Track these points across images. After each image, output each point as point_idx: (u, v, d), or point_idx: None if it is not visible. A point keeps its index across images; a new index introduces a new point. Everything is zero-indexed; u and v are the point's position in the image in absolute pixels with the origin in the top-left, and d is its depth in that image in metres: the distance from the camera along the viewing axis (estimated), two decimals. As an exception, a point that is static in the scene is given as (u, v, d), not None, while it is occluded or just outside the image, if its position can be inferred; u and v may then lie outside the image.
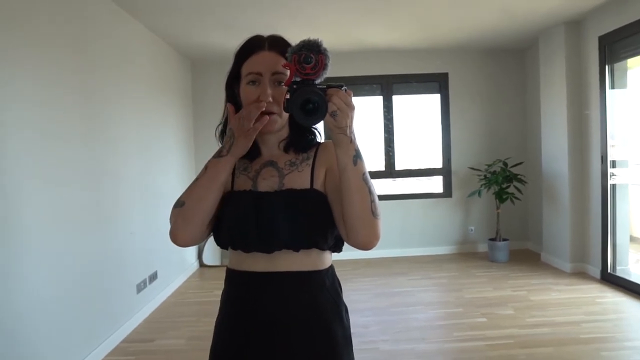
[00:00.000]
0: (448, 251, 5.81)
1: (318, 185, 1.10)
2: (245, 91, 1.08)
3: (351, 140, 0.96)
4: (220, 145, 1.14)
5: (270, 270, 1.08)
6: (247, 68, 1.09)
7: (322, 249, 1.11)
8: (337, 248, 1.14)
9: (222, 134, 1.18)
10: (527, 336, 3.17)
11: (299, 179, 1.10)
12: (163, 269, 4.33)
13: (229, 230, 1.09)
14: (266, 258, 1.08)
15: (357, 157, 0.97)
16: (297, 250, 1.07)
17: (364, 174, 0.98)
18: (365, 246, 1.02)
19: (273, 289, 1.08)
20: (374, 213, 1.00)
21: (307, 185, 1.09)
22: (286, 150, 1.14)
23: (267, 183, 1.11)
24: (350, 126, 0.94)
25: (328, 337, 1.09)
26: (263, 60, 1.07)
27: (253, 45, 1.10)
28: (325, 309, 1.11)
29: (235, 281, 1.14)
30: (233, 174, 1.15)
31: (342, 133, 0.94)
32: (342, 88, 0.92)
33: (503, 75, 5.80)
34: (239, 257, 1.12)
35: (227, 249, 1.18)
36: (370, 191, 0.99)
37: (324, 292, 1.12)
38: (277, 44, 1.10)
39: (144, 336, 3.48)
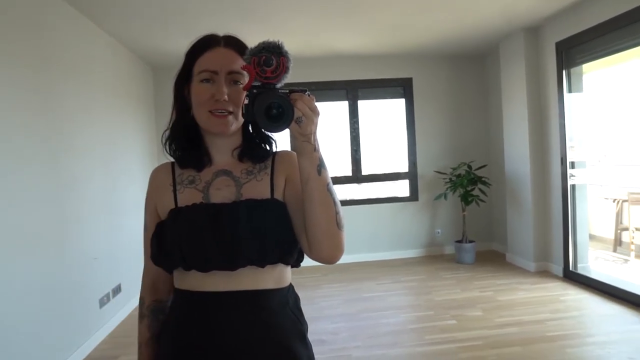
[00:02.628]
0: (416, 254, 5.86)
1: (278, 195, 1.02)
2: (198, 89, 1.00)
3: (315, 149, 0.89)
4: (167, 153, 1.09)
5: (231, 290, 0.98)
6: (200, 65, 1.01)
7: (287, 263, 1.04)
8: (298, 263, 1.07)
9: (168, 140, 1.09)
10: (496, 336, 3.22)
11: (257, 189, 1.02)
12: (127, 282, 4.18)
13: (181, 249, 0.97)
14: (226, 276, 0.97)
15: (321, 166, 0.91)
16: (262, 266, 0.98)
17: (328, 184, 0.92)
18: (329, 260, 0.96)
19: (234, 309, 0.98)
20: (338, 225, 0.94)
21: (267, 195, 1.01)
22: (240, 159, 1.06)
23: (222, 193, 1.01)
24: (315, 133, 0.88)
25: (292, 359, 1.01)
26: (218, 58, 1.00)
27: (207, 42, 1.03)
28: (289, 330, 1.03)
29: (188, 302, 1.01)
30: (174, 189, 1.04)
31: (306, 141, 0.87)
32: (306, 92, 0.87)
33: (466, 80, 5.93)
34: (193, 278, 1.00)
35: (171, 272, 1.06)
36: (334, 202, 0.93)
37: (287, 311, 1.04)
38: (233, 41, 1.04)
39: (107, 353, 3.34)
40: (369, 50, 5.36)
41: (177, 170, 1.08)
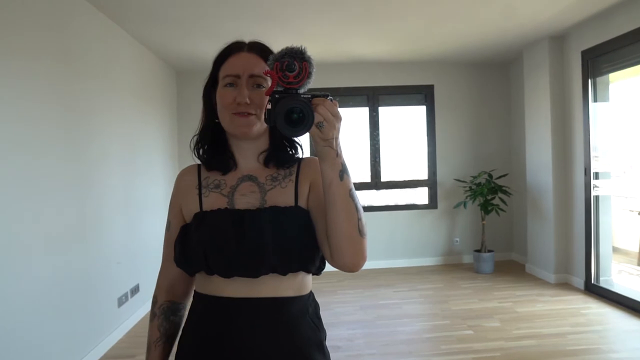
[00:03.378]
0: (433, 262, 5.80)
1: (302, 203, 1.02)
2: (222, 94, 1.01)
3: (337, 154, 0.88)
4: (196, 157, 1.10)
5: (253, 296, 0.98)
6: (224, 71, 1.02)
7: (309, 271, 1.03)
8: (320, 270, 1.06)
9: (197, 144, 1.10)
10: (514, 349, 3.16)
11: (282, 196, 1.01)
12: (145, 282, 4.23)
13: (205, 254, 0.97)
14: (248, 283, 0.97)
15: (343, 171, 0.90)
16: (284, 274, 0.98)
17: (350, 190, 0.91)
18: (351, 267, 0.94)
19: (255, 316, 0.98)
20: (360, 232, 0.92)
21: (291, 203, 1.01)
22: (266, 164, 1.06)
23: (247, 199, 1.01)
24: (337, 138, 0.87)
25: None
26: (241, 62, 1.01)
27: (231, 48, 1.05)
28: (308, 338, 1.02)
29: (209, 307, 1.01)
30: (200, 192, 1.05)
31: (328, 145, 0.87)
32: (328, 98, 0.86)
33: (488, 88, 5.86)
34: (215, 283, 1.00)
35: (194, 275, 1.07)
36: (357, 208, 0.92)
37: (307, 319, 1.03)
38: (256, 46, 1.05)
39: (125, 351, 3.39)
40: (391, 56, 5.35)
41: (204, 173, 1.09)
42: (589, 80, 4.31)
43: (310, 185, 1.03)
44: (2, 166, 2.36)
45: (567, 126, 4.65)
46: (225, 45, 1.07)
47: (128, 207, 4.00)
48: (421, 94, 5.83)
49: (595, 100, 4.32)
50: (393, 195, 5.95)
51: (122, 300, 3.74)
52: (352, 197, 0.92)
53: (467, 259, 5.75)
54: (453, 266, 5.67)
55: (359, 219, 0.93)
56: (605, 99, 4.33)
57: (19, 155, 2.50)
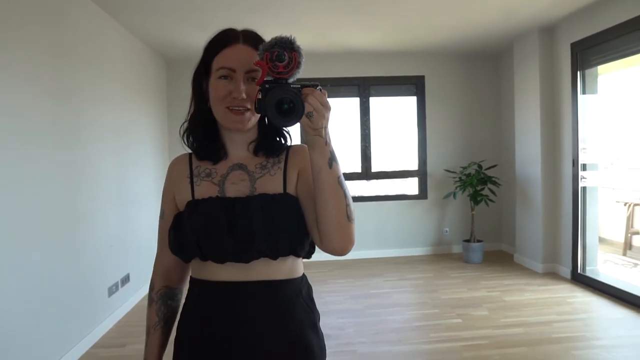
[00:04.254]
0: (423, 252, 5.85)
1: (291, 190, 1.04)
2: (216, 86, 1.01)
3: (326, 142, 0.91)
4: (186, 145, 1.11)
5: (245, 280, 1.01)
6: (219, 62, 1.02)
7: (299, 255, 1.06)
8: (310, 254, 1.09)
9: (186, 132, 1.11)
10: (501, 336, 3.21)
11: (271, 183, 1.04)
12: (135, 272, 4.23)
13: (198, 241, 1.00)
14: (241, 267, 1.01)
15: (332, 159, 0.93)
16: (275, 258, 1.01)
17: (339, 177, 0.94)
18: (340, 252, 0.98)
19: (249, 299, 1.01)
20: (349, 217, 0.96)
21: (280, 190, 1.03)
22: (255, 152, 1.08)
23: (237, 187, 1.04)
24: (326, 127, 0.90)
25: (304, 348, 1.05)
26: (237, 55, 1.01)
27: (227, 38, 1.03)
28: (301, 319, 1.06)
29: (205, 292, 1.05)
30: (192, 181, 1.07)
31: (317, 135, 0.89)
32: (317, 87, 0.88)
33: (478, 79, 5.89)
34: (209, 268, 1.03)
35: (189, 262, 1.10)
36: (345, 195, 0.95)
37: (300, 300, 1.07)
38: (251, 37, 1.04)
39: (115, 341, 3.39)
40: (382, 47, 5.35)
41: (195, 162, 1.10)
42: (578, 72, 4.34)
43: (299, 173, 1.05)
44: (-10, 155, 2.34)
45: (556, 118, 4.69)
46: (218, 32, 1.06)
47: (119, 197, 3.98)
48: (412, 85, 5.84)
49: (584, 92, 4.36)
50: (383, 186, 5.98)
51: (112, 290, 3.73)
52: (340, 184, 0.94)
53: (457, 248, 5.81)
54: (443, 256, 5.73)
55: (347, 205, 0.95)
56: (594, 91, 4.38)
57: (11, 145, 2.48)
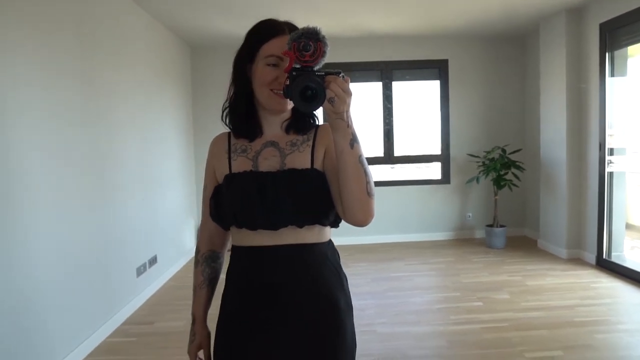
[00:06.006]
0: (446, 237, 5.85)
1: (318, 165, 1.14)
2: (264, 71, 1.12)
3: (348, 125, 0.99)
4: (227, 125, 1.23)
5: (275, 244, 1.13)
6: (268, 50, 1.11)
7: (324, 224, 1.16)
8: (336, 224, 1.19)
9: (226, 110, 1.22)
10: (522, 319, 3.22)
11: (299, 159, 1.14)
12: (162, 254, 4.37)
13: (234, 211, 1.14)
14: (271, 234, 1.12)
15: (353, 140, 1.00)
16: (301, 226, 1.12)
17: (360, 156, 1.02)
18: (361, 223, 1.07)
19: (279, 260, 1.13)
20: (369, 193, 1.04)
21: (307, 165, 1.13)
22: (287, 131, 1.18)
23: (269, 163, 1.14)
24: (348, 111, 0.97)
25: (332, 303, 1.15)
26: (285, 45, 1.09)
27: (274, 29, 1.13)
28: (329, 278, 1.17)
29: (242, 256, 1.18)
30: (229, 156, 1.19)
31: (339, 118, 0.97)
32: (340, 75, 0.95)
33: (503, 62, 5.79)
34: (244, 235, 1.16)
35: (228, 229, 1.23)
36: (365, 172, 1.03)
37: (327, 262, 1.18)
38: (295, 30, 1.12)
39: (144, 319, 3.53)
40: (405, 31, 5.30)
41: (233, 140, 1.22)
42: (607, 54, 4.24)
43: (325, 151, 1.15)
44: (24, 136, 2.45)
45: (582, 101, 4.60)
46: (263, 22, 1.16)
47: (146, 180, 4.10)
48: (435, 69, 5.79)
49: (612, 74, 4.26)
50: (406, 170, 5.97)
51: (140, 270, 3.87)
52: (361, 163, 1.03)
53: (479, 234, 5.79)
54: (465, 241, 5.72)
55: (368, 182, 1.04)
56: (623, 73, 4.27)
57: (41, 125, 2.59)
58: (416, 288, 4.02)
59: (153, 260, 4.15)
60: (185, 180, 5.23)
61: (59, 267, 2.70)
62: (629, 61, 4.25)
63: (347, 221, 1.10)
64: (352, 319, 1.21)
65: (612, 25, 4.13)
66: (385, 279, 4.30)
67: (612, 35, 4.19)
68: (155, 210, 4.29)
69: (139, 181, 3.97)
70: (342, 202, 1.07)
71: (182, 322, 3.40)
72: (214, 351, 1.22)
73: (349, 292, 1.22)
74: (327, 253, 1.19)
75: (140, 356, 2.91)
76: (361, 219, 1.07)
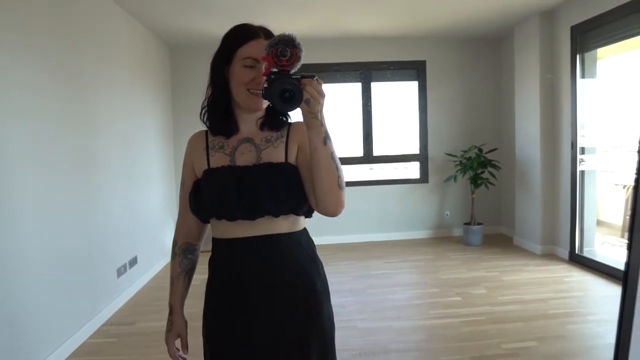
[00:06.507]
0: (424, 235, 5.95)
1: (291, 160, 1.21)
2: (241, 72, 1.19)
3: (322, 124, 1.07)
4: (203, 122, 1.29)
5: (253, 235, 1.19)
6: (245, 52, 1.18)
7: (298, 214, 1.24)
8: (309, 214, 1.27)
9: (205, 113, 1.28)
10: (498, 313, 3.32)
11: (274, 154, 1.21)
12: (143, 254, 4.34)
13: (213, 203, 1.19)
14: (248, 224, 1.19)
15: (326, 138, 1.09)
16: (277, 216, 1.19)
17: (332, 152, 1.10)
18: (332, 213, 1.16)
19: (256, 250, 1.20)
20: (339, 186, 1.13)
21: (282, 159, 1.20)
22: (262, 128, 1.25)
23: (245, 157, 1.21)
24: (321, 111, 1.05)
25: (308, 288, 1.22)
26: (261, 48, 1.14)
27: (251, 32, 1.20)
28: (304, 263, 1.24)
29: (222, 248, 1.24)
30: (207, 152, 1.25)
31: (314, 118, 1.05)
32: (314, 78, 1.03)
33: (479, 64, 5.93)
34: (224, 227, 1.22)
35: (207, 222, 1.30)
36: (337, 167, 1.11)
37: (301, 249, 1.25)
38: (269, 35, 1.21)
39: (125, 319, 3.51)
40: (384, 32, 5.38)
41: (210, 137, 1.28)
42: (577, 56, 4.39)
43: (299, 146, 1.22)
44: (7, 135, 2.43)
45: (555, 101, 4.75)
46: (239, 26, 1.23)
47: (126, 180, 4.07)
48: (413, 70, 5.89)
49: (583, 76, 4.41)
50: (385, 170, 6.05)
51: (121, 271, 3.85)
52: (333, 159, 1.11)
53: (457, 231, 5.90)
54: (443, 239, 5.83)
55: (339, 176, 1.13)
56: (593, 75, 4.42)
57: (23, 124, 2.57)
58: (396, 285, 4.09)
59: (133, 261, 4.13)
60: (165, 181, 5.21)
61: (40, 266, 2.68)
62: (599, 63, 4.40)
63: (320, 212, 1.18)
64: (330, 303, 1.28)
65: (583, 28, 4.28)
66: (366, 276, 4.37)
67: (583, 37, 4.34)
68: (136, 211, 4.27)
69: (121, 182, 3.95)
70: (315, 194, 1.15)
71: (163, 322, 3.31)
72: (203, 342, 1.29)
73: (326, 278, 1.30)
74: (302, 240, 1.26)
75: (122, 356, 2.91)
76: (333, 210, 1.15)
